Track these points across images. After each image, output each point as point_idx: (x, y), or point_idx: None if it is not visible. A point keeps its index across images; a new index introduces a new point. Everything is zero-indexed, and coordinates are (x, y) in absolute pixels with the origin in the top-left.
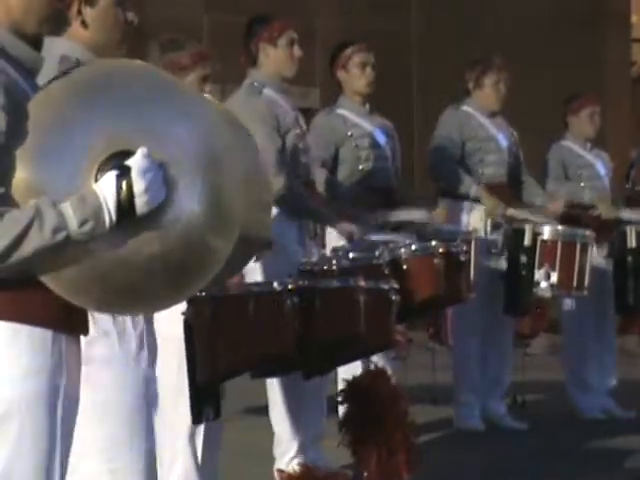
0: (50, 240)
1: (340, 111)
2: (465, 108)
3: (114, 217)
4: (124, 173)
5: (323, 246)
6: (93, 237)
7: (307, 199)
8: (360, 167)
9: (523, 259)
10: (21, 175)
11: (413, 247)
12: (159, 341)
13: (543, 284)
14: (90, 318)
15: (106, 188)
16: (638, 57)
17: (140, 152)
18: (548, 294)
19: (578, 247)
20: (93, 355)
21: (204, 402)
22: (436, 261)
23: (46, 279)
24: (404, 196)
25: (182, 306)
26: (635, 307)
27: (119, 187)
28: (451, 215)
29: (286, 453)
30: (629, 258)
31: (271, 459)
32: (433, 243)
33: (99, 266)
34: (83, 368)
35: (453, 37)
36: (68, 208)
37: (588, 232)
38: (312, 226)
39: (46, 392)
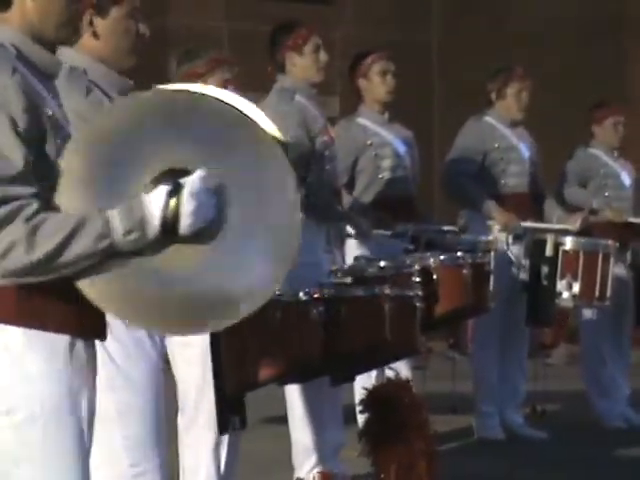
0: (94, 247)
1: (360, 120)
2: (487, 119)
3: (158, 231)
4: (176, 190)
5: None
6: (136, 248)
7: (334, 204)
8: (380, 176)
9: (545, 270)
10: (76, 174)
11: (441, 257)
12: (182, 347)
13: (565, 294)
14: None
15: (154, 202)
16: None
17: (198, 173)
18: (570, 304)
19: (600, 257)
20: (111, 357)
21: (230, 412)
22: (465, 272)
23: (82, 284)
24: (423, 206)
25: None
26: None
27: (167, 203)
28: (475, 226)
29: (305, 462)
30: None
31: (288, 468)
32: (459, 254)
33: (134, 277)
34: (102, 370)
35: (474, 48)
36: (115, 217)
37: (610, 242)
38: (339, 234)
39: (67, 396)
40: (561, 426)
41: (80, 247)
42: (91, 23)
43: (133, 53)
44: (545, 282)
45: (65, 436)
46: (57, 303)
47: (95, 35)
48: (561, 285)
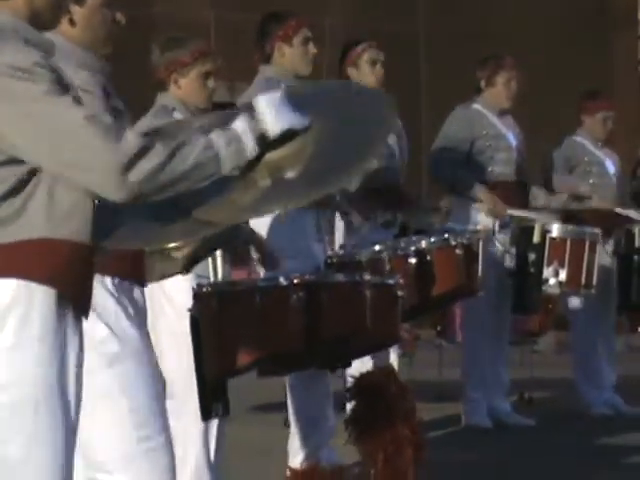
0: (202, 155)
1: None
2: (475, 106)
3: (253, 142)
4: (253, 108)
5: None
6: (238, 162)
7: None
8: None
9: (532, 257)
10: None
11: (432, 239)
12: (170, 334)
13: (552, 281)
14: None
15: (237, 124)
16: None
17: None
18: (557, 291)
19: (587, 245)
20: (104, 335)
21: (213, 398)
22: (458, 252)
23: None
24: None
25: (189, 301)
26: (638, 306)
27: (247, 120)
28: (459, 213)
29: (300, 451)
30: (635, 257)
31: (276, 456)
32: (446, 236)
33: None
34: (95, 350)
35: (460, 37)
36: (212, 135)
37: (596, 230)
38: (329, 223)
39: (57, 375)
40: (548, 413)
41: (191, 156)
42: (68, 10)
43: (109, 41)
44: (532, 269)
45: (55, 415)
46: (46, 255)
47: (72, 22)
48: (547, 272)
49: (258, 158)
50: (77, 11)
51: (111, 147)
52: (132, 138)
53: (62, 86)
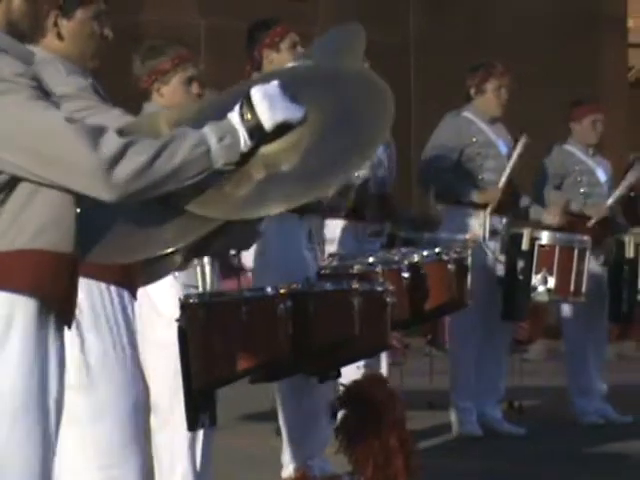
0: (191, 151)
1: None
2: (465, 114)
3: (247, 135)
4: (248, 100)
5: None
6: (231, 158)
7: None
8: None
9: (520, 264)
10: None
11: (425, 253)
12: (155, 345)
13: (540, 289)
14: (89, 319)
15: (232, 115)
16: (635, 62)
17: (270, 83)
18: (545, 299)
19: (576, 252)
20: (88, 356)
21: (200, 409)
22: (450, 266)
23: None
24: (400, 204)
25: (176, 312)
26: (628, 315)
27: (243, 112)
28: (449, 221)
29: (293, 460)
30: (626, 267)
31: (267, 466)
32: (438, 250)
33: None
34: (76, 369)
35: (451, 46)
36: (205, 129)
37: (586, 238)
38: (319, 231)
39: (37, 384)
40: (539, 422)
41: (179, 154)
42: (56, 24)
43: (96, 56)
44: (520, 276)
45: (33, 425)
46: (30, 265)
47: (59, 36)
48: (536, 279)
49: (253, 151)
50: (65, 25)
51: (92, 148)
52: (113, 137)
53: (43, 92)
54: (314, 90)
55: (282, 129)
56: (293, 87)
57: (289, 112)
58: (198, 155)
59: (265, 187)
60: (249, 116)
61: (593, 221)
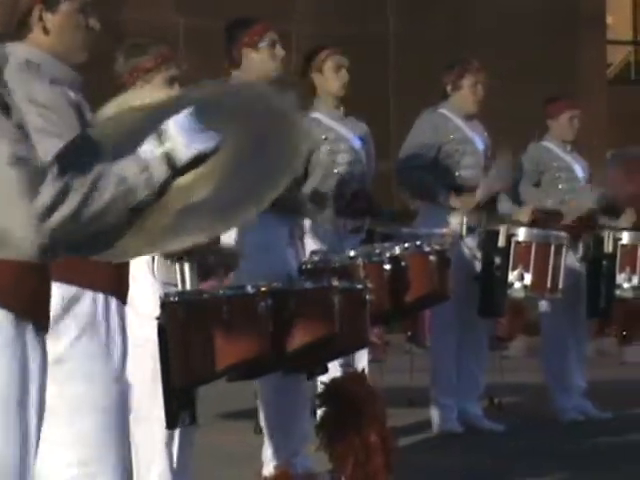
0: (116, 188)
1: (315, 115)
2: (442, 110)
3: (165, 166)
4: (161, 133)
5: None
6: (151, 189)
7: (300, 197)
8: (335, 171)
9: (497, 260)
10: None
11: (406, 245)
12: (133, 343)
13: (517, 285)
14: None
15: (147, 147)
16: (614, 58)
17: (183, 112)
18: (521, 295)
19: (552, 249)
20: (65, 351)
21: (180, 407)
22: (431, 258)
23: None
24: (379, 200)
25: (155, 310)
26: (606, 311)
27: (158, 144)
28: (427, 217)
29: (273, 458)
30: (604, 263)
31: (247, 463)
32: (419, 242)
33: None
34: (54, 366)
35: (428, 42)
36: (121, 164)
37: (562, 234)
38: (300, 229)
39: (17, 384)
40: (519, 418)
41: (106, 192)
42: (41, 18)
43: (84, 48)
44: (497, 273)
45: (11, 429)
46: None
47: (45, 30)
48: (513, 276)
49: (170, 182)
50: (50, 19)
51: (31, 195)
52: (51, 185)
53: (2, 108)
54: (224, 116)
55: (198, 159)
56: (205, 114)
57: (204, 142)
58: (123, 191)
59: (182, 218)
60: (164, 148)
61: (567, 220)
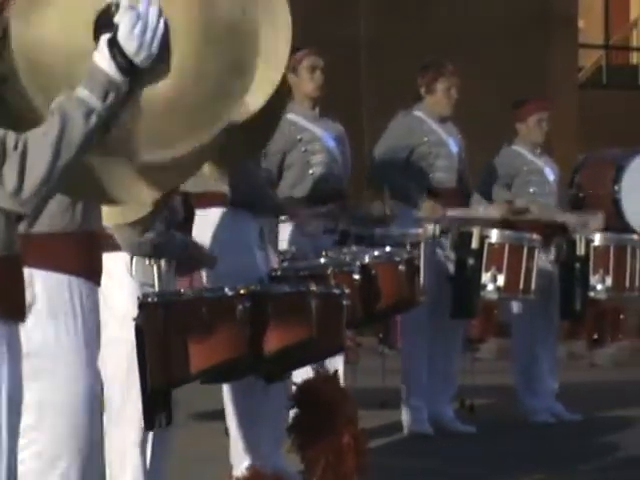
0: (87, 127)
1: (290, 116)
2: (416, 113)
3: (124, 79)
4: (115, 35)
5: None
6: (119, 105)
7: (273, 196)
8: (310, 172)
9: (470, 262)
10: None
11: (375, 253)
12: (108, 343)
13: (490, 287)
14: (45, 311)
15: (103, 59)
16: (585, 62)
17: (123, 3)
18: (495, 297)
19: (525, 251)
20: (37, 348)
21: (156, 408)
22: (400, 267)
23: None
24: (354, 200)
25: (133, 310)
26: (581, 313)
27: (113, 55)
28: (401, 217)
29: (244, 459)
30: (577, 265)
31: (219, 463)
32: (388, 249)
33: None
34: (28, 361)
35: (403, 43)
36: (84, 91)
37: (535, 236)
38: (272, 231)
39: None
40: (490, 420)
41: (76, 135)
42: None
43: None
44: (470, 274)
45: None
46: None
47: None
48: (486, 277)
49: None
50: None
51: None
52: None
53: None
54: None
55: (159, 57)
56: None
57: (157, 40)
58: (92, 127)
59: (163, 124)
60: (119, 57)
61: (531, 217)
